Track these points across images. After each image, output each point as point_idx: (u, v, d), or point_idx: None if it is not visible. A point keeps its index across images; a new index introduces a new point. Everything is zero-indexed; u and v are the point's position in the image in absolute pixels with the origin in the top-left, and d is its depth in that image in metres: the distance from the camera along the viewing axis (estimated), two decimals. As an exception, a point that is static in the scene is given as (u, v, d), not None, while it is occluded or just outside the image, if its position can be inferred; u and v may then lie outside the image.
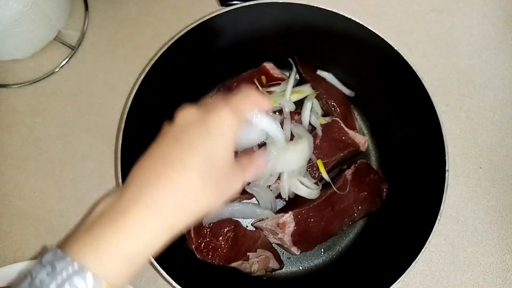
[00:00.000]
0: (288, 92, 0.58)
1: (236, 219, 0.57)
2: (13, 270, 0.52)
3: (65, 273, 0.25)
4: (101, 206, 0.29)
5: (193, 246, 0.53)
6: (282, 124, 0.56)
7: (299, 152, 0.53)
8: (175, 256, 0.49)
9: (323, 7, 0.52)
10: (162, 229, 0.28)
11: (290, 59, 0.62)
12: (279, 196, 0.56)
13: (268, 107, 0.36)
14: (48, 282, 0.25)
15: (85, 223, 0.29)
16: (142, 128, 0.53)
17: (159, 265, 0.44)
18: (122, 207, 0.28)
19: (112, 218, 0.28)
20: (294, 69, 0.61)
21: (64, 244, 0.28)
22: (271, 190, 0.56)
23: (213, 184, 0.30)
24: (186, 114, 0.32)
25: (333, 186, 0.56)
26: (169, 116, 0.63)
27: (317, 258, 0.59)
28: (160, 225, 0.28)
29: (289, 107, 0.58)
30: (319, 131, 0.58)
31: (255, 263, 0.53)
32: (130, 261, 0.27)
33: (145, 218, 0.28)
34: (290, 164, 0.53)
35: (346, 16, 0.52)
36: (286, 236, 0.53)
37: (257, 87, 0.59)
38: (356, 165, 0.58)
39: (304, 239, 0.54)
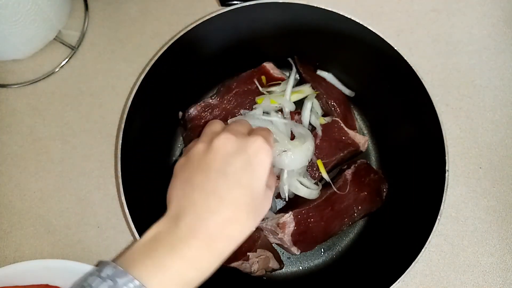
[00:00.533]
0: (288, 92, 0.58)
1: (236, 219, 0.57)
2: (13, 270, 0.52)
3: None
4: (153, 230, 0.33)
5: (193, 246, 0.53)
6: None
7: (303, 152, 0.53)
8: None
9: (323, 7, 0.52)
10: (215, 258, 0.32)
11: (290, 59, 0.62)
12: (279, 196, 0.56)
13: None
14: None
15: (138, 245, 0.32)
16: (142, 128, 0.53)
17: (159, 265, 0.44)
18: (179, 238, 0.31)
19: (171, 246, 0.31)
20: (294, 69, 0.61)
21: (120, 262, 0.30)
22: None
23: (254, 213, 0.34)
24: (226, 143, 0.35)
25: (333, 186, 0.56)
26: (169, 116, 0.63)
27: (317, 258, 0.59)
28: (214, 256, 0.32)
29: (289, 107, 0.58)
30: (319, 131, 0.58)
31: (255, 263, 0.53)
32: (185, 285, 0.31)
33: (201, 251, 0.31)
34: (294, 164, 0.53)
35: (346, 16, 0.52)
36: (286, 236, 0.53)
37: (257, 87, 0.59)
38: (356, 165, 0.58)
39: (304, 239, 0.54)
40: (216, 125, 0.39)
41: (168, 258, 0.30)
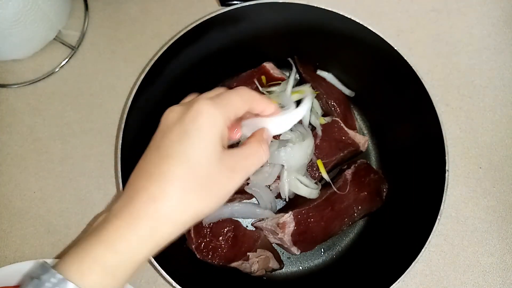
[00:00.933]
0: (288, 92, 0.58)
1: (236, 219, 0.57)
2: (13, 270, 0.52)
3: (48, 285, 0.27)
4: (96, 222, 0.31)
5: (193, 246, 0.53)
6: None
7: (303, 149, 0.53)
8: (175, 256, 0.49)
9: (323, 7, 0.52)
10: (140, 242, 0.28)
11: (290, 59, 0.62)
12: (279, 196, 0.56)
13: (271, 110, 0.35)
14: None
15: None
16: (142, 128, 0.53)
17: (159, 265, 0.44)
18: (106, 222, 0.29)
19: (95, 233, 0.29)
20: (294, 69, 0.61)
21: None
22: (271, 190, 0.56)
23: (198, 189, 0.29)
24: (169, 115, 0.31)
25: (333, 186, 0.56)
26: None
27: (317, 258, 0.59)
28: (137, 239, 0.28)
29: (289, 105, 0.58)
30: (319, 131, 0.58)
31: (255, 263, 0.53)
32: (110, 273, 0.28)
33: (122, 232, 0.28)
34: (293, 160, 0.53)
35: (346, 16, 0.52)
36: (286, 236, 0.53)
37: (257, 87, 0.59)
38: (356, 165, 0.58)
39: (304, 239, 0.54)
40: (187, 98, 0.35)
41: (89, 246, 0.28)
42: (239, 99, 0.32)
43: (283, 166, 0.54)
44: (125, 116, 0.49)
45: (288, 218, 0.53)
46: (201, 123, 0.29)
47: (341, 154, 0.58)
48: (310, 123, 0.59)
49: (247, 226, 0.58)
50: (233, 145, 0.35)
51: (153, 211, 0.28)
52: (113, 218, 0.29)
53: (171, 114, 0.32)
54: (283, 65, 0.63)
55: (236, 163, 0.32)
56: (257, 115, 0.36)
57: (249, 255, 0.54)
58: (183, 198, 0.29)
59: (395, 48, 0.51)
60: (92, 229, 0.30)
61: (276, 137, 0.53)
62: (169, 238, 0.30)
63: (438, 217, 0.47)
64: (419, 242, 0.46)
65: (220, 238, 0.54)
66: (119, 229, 0.28)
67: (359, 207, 0.56)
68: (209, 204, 0.30)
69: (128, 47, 0.67)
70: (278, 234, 0.53)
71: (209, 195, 0.30)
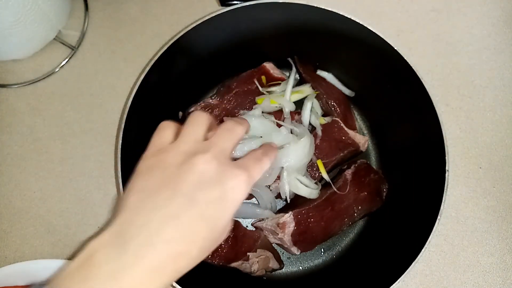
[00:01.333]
0: (288, 92, 0.58)
1: (236, 219, 0.57)
2: (13, 271, 0.52)
3: None
4: (92, 247, 0.28)
5: (193, 246, 0.53)
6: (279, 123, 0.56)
7: (300, 148, 0.53)
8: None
9: (323, 7, 0.52)
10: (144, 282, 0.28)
11: (290, 59, 0.62)
12: (279, 196, 0.56)
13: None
14: None
15: (71, 267, 0.27)
16: (142, 128, 0.53)
17: (159, 265, 0.44)
18: (123, 265, 0.27)
19: (112, 273, 0.27)
20: (294, 69, 0.61)
21: (56, 279, 0.27)
22: (271, 190, 0.56)
23: (207, 248, 0.31)
24: (207, 166, 0.31)
25: (333, 186, 0.56)
26: (169, 116, 0.63)
27: (317, 258, 0.59)
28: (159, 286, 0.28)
29: (289, 107, 0.58)
30: (319, 131, 0.58)
31: (255, 263, 0.53)
32: None
33: (144, 281, 0.27)
34: (293, 160, 0.53)
35: (346, 16, 0.52)
36: (286, 236, 0.53)
37: (257, 87, 0.59)
38: (356, 165, 0.58)
39: (304, 239, 0.54)
40: (201, 126, 0.34)
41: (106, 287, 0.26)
42: (262, 166, 0.35)
43: (282, 166, 0.54)
44: (125, 116, 0.49)
45: (288, 218, 0.53)
46: (238, 196, 0.31)
47: (341, 154, 0.58)
48: (310, 123, 0.59)
49: (247, 226, 0.58)
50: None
51: (174, 267, 0.29)
52: (134, 264, 0.27)
53: (208, 165, 0.31)
54: (283, 65, 0.63)
55: (227, 228, 0.33)
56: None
57: (249, 255, 0.54)
58: (197, 257, 0.30)
59: (395, 48, 0.51)
60: (96, 263, 0.27)
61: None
62: (179, 275, 0.30)
63: (438, 217, 0.47)
64: (419, 242, 0.46)
65: (220, 238, 0.54)
66: (142, 279, 0.27)
67: (359, 207, 0.56)
68: (204, 256, 0.31)
69: (128, 47, 0.67)
70: (278, 234, 0.53)
71: (208, 252, 0.32)
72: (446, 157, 0.48)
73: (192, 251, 0.29)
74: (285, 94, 0.58)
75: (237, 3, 0.52)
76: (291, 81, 0.59)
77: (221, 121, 0.58)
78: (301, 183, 0.55)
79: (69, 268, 0.27)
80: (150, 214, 0.29)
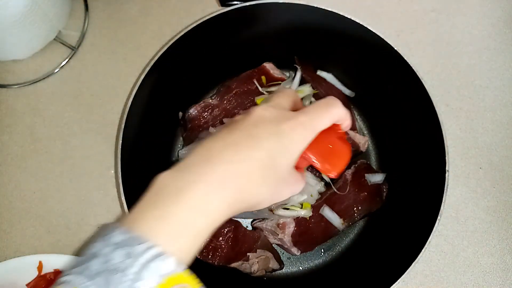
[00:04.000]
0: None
1: (236, 219, 0.57)
2: (12, 268, 0.52)
3: (145, 257, 0.24)
4: (159, 180, 0.29)
5: (193, 246, 0.53)
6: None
7: None
8: (175, 256, 0.49)
9: (323, 7, 0.52)
10: (224, 205, 0.29)
11: (296, 58, 0.61)
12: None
13: (349, 123, 0.36)
14: (128, 265, 0.24)
15: (144, 198, 0.29)
16: (142, 128, 0.53)
17: (159, 265, 0.44)
18: (187, 182, 0.28)
19: (177, 191, 0.28)
20: (299, 70, 0.61)
21: (127, 221, 0.27)
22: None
23: (271, 182, 0.31)
24: (264, 111, 0.32)
25: (332, 186, 0.56)
26: (169, 116, 0.63)
27: (317, 258, 0.59)
28: (223, 202, 0.29)
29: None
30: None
31: (255, 263, 0.53)
32: (196, 237, 0.28)
33: (210, 196, 0.28)
34: None
35: (346, 16, 0.52)
36: (286, 236, 0.53)
37: (257, 87, 0.59)
38: (356, 165, 0.58)
39: (304, 239, 0.54)
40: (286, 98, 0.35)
41: (174, 206, 0.27)
42: (329, 119, 0.34)
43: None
44: (125, 116, 0.49)
45: (288, 218, 0.53)
46: (295, 135, 0.31)
47: (341, 154, 0.58)
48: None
49: (247, 226, 0.58)
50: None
51: (237, 184, 0.29)
52: (197, 179, 0.28)
53: (267, 111, 0.32)
54: (283, 65, 0.63)
55: (294, 181, 0.34)
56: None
57: (249, 256, 0.54)
58: (259, 182, 0.30)
59: (395, 48, 0.51)
60: (163, 190, 0.28)
61: None
62: (235, 212, 0.30)
63: (438, 217, 0.47)
64: (419, 242, 0.46)
65: (220, 238, 0.54)
66: (208, 194, 0.28)
67: (359, 207, 0.56)
68: (272, 199, 0.32)
69: (128, 47, 0.66)
70: (278, 234, 0.53)
71: (277, 192, 0.32)
72: (446, 157, 0.48)
73: (253, 176, 0.30)
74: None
75: (237, 3, 0.52)
76: (297, 81, 0.59)
77: (221, 122, 0.58)
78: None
79: (139, 203, 0.28)
80: (209, 145, 0.31)
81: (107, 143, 0.62)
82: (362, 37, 0.53)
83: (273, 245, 0.57)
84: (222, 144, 0.31)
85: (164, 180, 0.29)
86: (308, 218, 0.54)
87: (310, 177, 0.56)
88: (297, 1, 0.52)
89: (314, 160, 0.35)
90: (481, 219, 0.60)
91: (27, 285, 0.52)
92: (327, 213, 0.54)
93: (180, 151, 0.59)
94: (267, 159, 0.30)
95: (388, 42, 0.51)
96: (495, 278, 0.58)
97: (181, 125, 0.60)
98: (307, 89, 0.60)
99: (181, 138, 0.62)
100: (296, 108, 0.36)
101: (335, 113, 0.34)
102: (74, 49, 0.66)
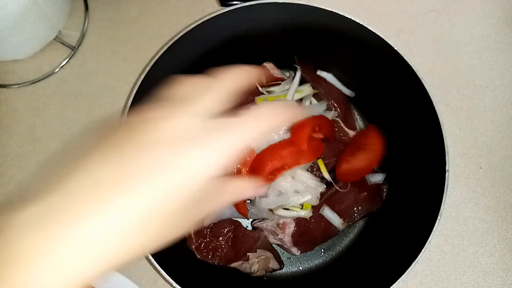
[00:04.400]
0: (292, 92, 0.58)
1: (236, 219, 0.57)
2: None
3: None
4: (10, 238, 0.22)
5: (193, 246, 0.53)
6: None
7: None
8: (175, 256, 0.49)
9: (323, 7, 0.52)
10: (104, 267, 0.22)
11: (296, 58, 0.61)
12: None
13: (297, 117, 0.29)
14: None
15: None
16: (142, 128, 0.53)
17: (159, 265, 0.44)
18: (46, 244, 0.21)
19: (34, 261, 0.21)
20: (299, 70, 0.61)
21: None
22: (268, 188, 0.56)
23: (184, 217, 0.24)
24: (184, 125, 0.25)
25: (334, 185, 0.56)
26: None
27: (317, 258, 0.59)
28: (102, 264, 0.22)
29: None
30: (319, 131, 0.58)
31: (255, 263, 0.53)
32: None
33: (79, 261, 0.21)
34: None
35: (346, 16, 0.52)
36: (286, 236, 0.53)
37: (257, 87, 0.59)
38: (356, 165, 0.58)
39: (304, 239, 0.54)
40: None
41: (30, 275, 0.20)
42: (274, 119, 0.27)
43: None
44: (125, 116, 0.49)
45: (288, 218, 0.53)
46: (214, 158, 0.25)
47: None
48: (310, 123, 0.59)
49: (247, 226, 0.58)
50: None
51: (119, 232, 0.22)
52: (59, 244, 0.21)
53: (184, 125, 0.25)
54: (283, 65, 0.63)
55: (222, 192, 0.27)
56: None
57: (249, 256, 0.54)
58: (160, 223, 0.23)
59: (395, 48, 0.51)
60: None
61: None
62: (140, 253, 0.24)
63: (438, 217, 0.47)
64: (419, 242, 0.46)
65: (220, 238, 0.54)
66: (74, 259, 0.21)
67: (359, 207, 0.56)
68: (179, 232, 0.25)
69: (128, 47, 0.66)
70: (278, 234, 0.53)
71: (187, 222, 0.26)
72: (446, 157, 0.48)
73: (153, 221, 0.23)
74: (288, 94, 0.58)
75: (237, 3, 0.52)
76: (296, 81, 0.59)
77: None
78: (304, 180, 0.55)
79: None
80: (98, 173, 0.23)
81: (107, 143, 0.62)
82: (362, 37, 0.53)
83: (273, 245, 0.57)
84: (111, 177, 0.23)
85: (17, 239, 0.21)
86: (308, 218, 0.54)
87: (310, 178, 0.56)
88: (297, 1, 0.52)
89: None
90: (481, 219, 0.60)
91: None
92: (327, 213, 0.54)
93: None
94: (174, 192, 0.23)
95: (388, 42, 0.51)
96: (495, 278, 0.58)
97: (181, 125, 0.60)
98: (307, 89, 0.60)
99: (181, 138, 0.62)
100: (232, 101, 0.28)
101: (270, 124, 0.27)
102: (74, 49, 0.66)
